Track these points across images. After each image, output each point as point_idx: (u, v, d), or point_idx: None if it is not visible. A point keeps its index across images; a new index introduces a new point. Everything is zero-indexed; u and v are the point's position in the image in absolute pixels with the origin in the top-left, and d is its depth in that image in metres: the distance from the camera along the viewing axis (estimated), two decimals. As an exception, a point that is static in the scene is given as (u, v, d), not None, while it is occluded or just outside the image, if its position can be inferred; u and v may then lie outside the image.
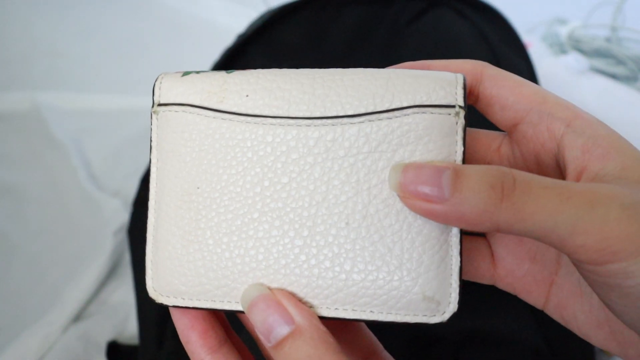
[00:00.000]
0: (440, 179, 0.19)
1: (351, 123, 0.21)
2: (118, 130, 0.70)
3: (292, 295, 0.21)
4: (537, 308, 0.25)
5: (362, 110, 0.21)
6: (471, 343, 0.41)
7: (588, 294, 0.23)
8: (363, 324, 0.26)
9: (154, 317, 0.46)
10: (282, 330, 0.19)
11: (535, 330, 0.42)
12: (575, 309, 0.23)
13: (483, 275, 0.26)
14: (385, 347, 0.27)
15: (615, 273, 0.18)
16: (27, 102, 0.70)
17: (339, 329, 0.25)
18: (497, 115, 0.23)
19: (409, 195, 0.20)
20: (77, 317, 0.52)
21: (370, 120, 0.21)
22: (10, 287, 0.56)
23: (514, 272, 0.25)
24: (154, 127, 0.24)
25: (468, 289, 0.45)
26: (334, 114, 0.21)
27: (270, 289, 0.21)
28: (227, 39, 0.56)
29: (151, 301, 0.23)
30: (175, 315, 0.23)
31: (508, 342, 0.41)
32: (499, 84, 0.23)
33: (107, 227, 0.58)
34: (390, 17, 0.53)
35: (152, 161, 0.24)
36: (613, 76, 0.70)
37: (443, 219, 0.19)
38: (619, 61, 0.70)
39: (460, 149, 0.21)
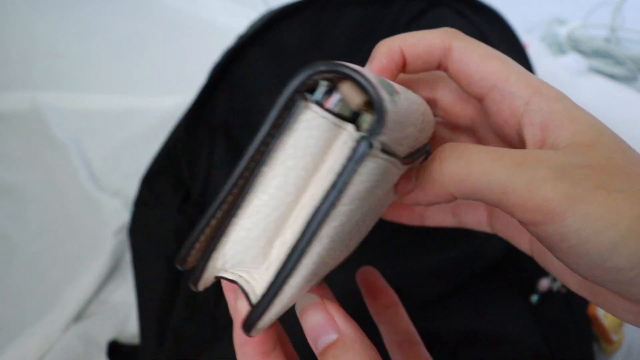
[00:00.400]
0: (411, 176, 0.23)
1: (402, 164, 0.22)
2: (118, 130, 0.70)
3: (340, 306, 0.22)
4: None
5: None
6: (471, 343, 0.41)
7: None
8: (404, 313, 0.28)
9: (155, 316, 0.46)
10: (328, 337, 0.20)
11: (535, 330, 0.42)
12: (552, 257, 0.25)
13: (481, 222, 0.29)
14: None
15: (550, 235, 0.18)
16: (27, 102, 0.70)
17: (379, 311, 0.27)
18: (464, 89, 0.25)
19: (401, 195, 0.24)
20: (78, 317, 0.52)
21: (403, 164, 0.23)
22: (10, 287, 0.56)
23: (501, 220, 0.28)
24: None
25: (468, 289, 0.45)
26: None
27: (321, 298, 0.22)
28: (227, 39, 0.56)
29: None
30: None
31: (508, 342, 0.41)
32: (464, 59, 0.24)
33: (107, 227, 0.58)
34: (390, 17, 0.53)
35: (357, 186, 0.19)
36: (612, 76, 0.70)
37: (421, 202, 0.23)
38: (618, 61, 0.70)
39: None
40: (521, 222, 0.19)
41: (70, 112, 0.71)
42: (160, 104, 0.72)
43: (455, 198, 0.21)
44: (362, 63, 0.25)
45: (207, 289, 0.22)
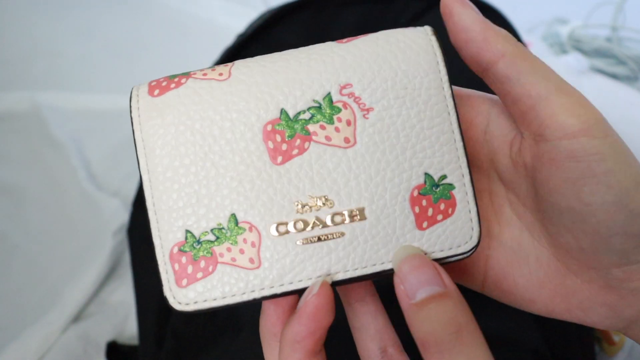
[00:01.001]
0: None
1: None
2: (118, 130, 0.70)
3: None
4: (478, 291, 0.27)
5: None
6: (471, 343, 0.41)
7: (524, 257, 0.24)
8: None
9: (154, 317, 0.46)
10: (432, 289, 0.20)
11: (535, 330, 0.42)
12: (514, 276, 0.25)
13: None
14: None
15: (589, 152, 0.20)
16: (27, 102, 0.70)
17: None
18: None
19: None
20: (77, 317, 0.52)
21: None
22: (10, 287, 0.56)
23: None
24: None
25: (468, 290, 0.45)
26: None
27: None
28: (227, 39, 0.56)
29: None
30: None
31: (508, 342, 0.41)
32: None
33: (107, 227, 0.58)
34: (390, 17, 0.53)
35: None
36: (613, 76, 0.70)
37: None
38: (620, 61, 0.70)
39: None
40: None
41: (70, 112, 0.71)
42: (160, 104, 0.72)
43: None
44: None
45: None
